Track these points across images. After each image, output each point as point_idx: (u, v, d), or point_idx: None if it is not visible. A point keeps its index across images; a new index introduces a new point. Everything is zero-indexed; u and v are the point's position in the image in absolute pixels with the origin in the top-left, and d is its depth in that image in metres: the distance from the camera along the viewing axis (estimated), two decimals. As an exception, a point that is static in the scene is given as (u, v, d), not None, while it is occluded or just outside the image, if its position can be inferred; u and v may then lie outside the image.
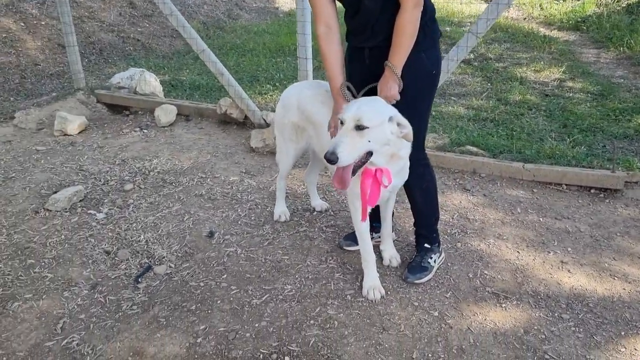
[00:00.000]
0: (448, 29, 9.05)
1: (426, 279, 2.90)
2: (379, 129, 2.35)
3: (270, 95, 6.24)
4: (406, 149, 2.54)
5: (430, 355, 2.41)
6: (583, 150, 4.41)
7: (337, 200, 3.84)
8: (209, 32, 9.49)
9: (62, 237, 3.44)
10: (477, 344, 2.47)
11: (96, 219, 3.67)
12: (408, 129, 2.40)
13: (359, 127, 2.32)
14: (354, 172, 2.42)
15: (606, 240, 3.28)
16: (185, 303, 2.81)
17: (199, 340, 2.54)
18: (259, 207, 3.77)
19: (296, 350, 2.46)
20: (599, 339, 2.49)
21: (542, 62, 7.27)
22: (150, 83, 6.14)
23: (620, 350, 2.41)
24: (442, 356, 2.41)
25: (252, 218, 3.63)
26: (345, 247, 3.21)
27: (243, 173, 4.32)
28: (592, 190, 3.88)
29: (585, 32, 8.70)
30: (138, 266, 3.17)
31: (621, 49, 7.39)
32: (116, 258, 3.25)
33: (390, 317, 2.65)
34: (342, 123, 2.37)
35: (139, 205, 3.83)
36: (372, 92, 2.69)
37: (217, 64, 5.16)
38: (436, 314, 2.67)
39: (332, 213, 3.68)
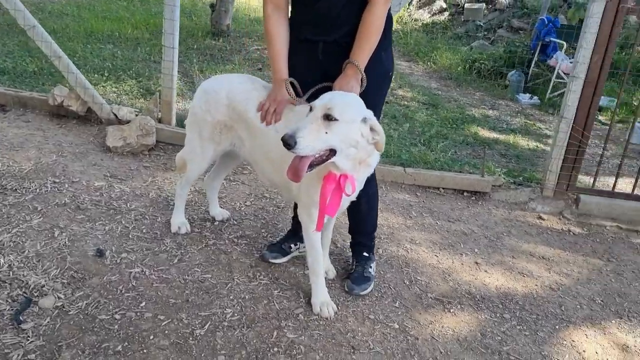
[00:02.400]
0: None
1: (370, 288, 2.79)
2: (348, 126, 2.11)
3: (102, 87, 5.40)
4: (376, 157, 2.36)
5: (411, 370, 2.29)
6: (449, 156, 4.74)
7: (236, 208, 3.47)
8: None
9: None
10: (448, 352, 2.44)
11: None
12: (381, 136, 2.21)
13: (328, 117, 2.07)
14: (310, 167, 2.14)
15: (498, 240, 3.56)
16: (106, 343, 2.23)
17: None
18: (147, 217, 3.22)
19: (274, 385, 2.11)
20: (542, 335, 2.66)
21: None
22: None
23: (562, 344, 2.61)
24: (423, 370, 2.30)
25: (144, 231, 3.07)
26: (271, 260, 2.91)
27: (108, 177, 3.64)
28: (465, 193, 4.18)
29: (394, 45, 9.49)
30: (9, 300, 2.42)
31: (428, 63, 8.22)
32: None
33: (354, 335, 2.46)
34: (311, 110, 2.10)
35: None
36: (323, 91, 2.45)
37: (52, 44, 4.28)
38: (396, 326, 2.57)
39: (234, 222, 3.32)
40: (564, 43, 7.68)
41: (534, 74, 7.89)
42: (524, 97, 7.32)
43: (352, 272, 2.82)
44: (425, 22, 10.48)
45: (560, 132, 4.03)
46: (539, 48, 7.90)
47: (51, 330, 2.28)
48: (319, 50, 2.53)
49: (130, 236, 3.00)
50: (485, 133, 5.78)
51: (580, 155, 4.07)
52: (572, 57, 7.40)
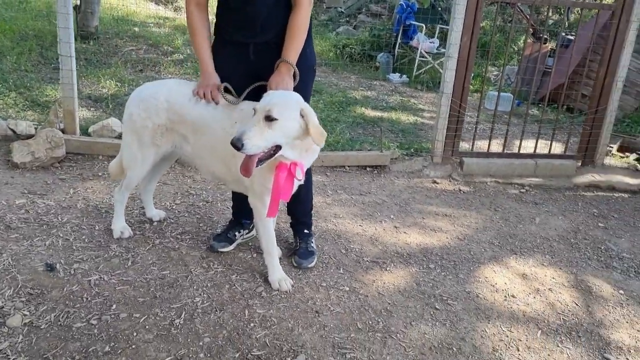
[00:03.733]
0: (136, 29, 8.87)
1: (315, 261, 3.13)
2: (288, 123, 2.40)
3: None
4: (316, 145, 2.67)
5: (370, 321, 2.69)
6: (347, 137, 5.20)
7: (167, 207, 3.63)
8: None
9: None
10: (395, 303, 2.86)
11: None
12: (317, 130, 2.47)
13: (269, 118, 2.36)
14: (259, 163, 2.42)
15: (407, 205, 4.07)
16: (93, 347, 2.35)
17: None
18: (83, 227, 3.27)
19: (261, 354, 2.40)
20: (462, 276, 3.19)
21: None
22: None
23: (479, 280, 3.17)
24: (379, 319, 2.71)
25: (86, 241, 3.14)
26: (220, 250, 3.14)
27: (27, 194, 3.59)
28: (368, 168, 4.67)
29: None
30: None
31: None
32: None
33: (314, 302, 2.79)
34: (254, 112, 2.39)
35: None
36: (259, 89, 2.74)
37: None
38: (347, 288, 2.94)
39: (171, 221, 3.48)
40: (423, 25, 8.51)
41: (400, 55, 8.64)
42: (395, 77, 8.02)
43: (297, 249, 3.12)
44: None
45: (442, 106, 4.63)
46: (401, 31, 8.65)
47: (29, 346, 2.32)
48: (250, 52, 2.77)
49: (74, 247, 3.04)
50: (370, 113, 6.32)
51: (460, 124, 4.71)
52: (431, 38, 8.26)
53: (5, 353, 2.27)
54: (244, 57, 2.76)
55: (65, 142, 4.10)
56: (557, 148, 5.25)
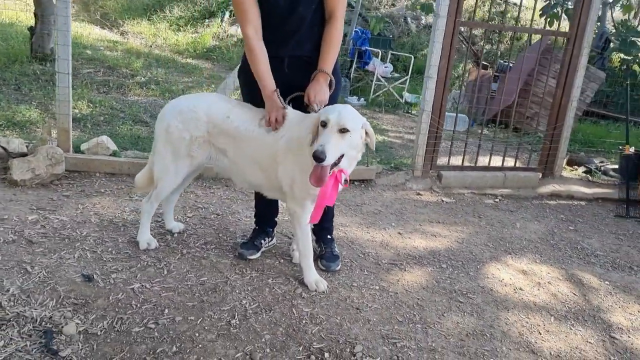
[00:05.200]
0: (89, 52, 8.77)
1: (340, 264, 3.31)
2: (356, 134, 2.64)
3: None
4: (361, 153, 2.89)
5: (407, 314, 2.90)
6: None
7: (181, 221, 3.69)
8: None
9: None
10: (423, 298, 3.10)
11: None
12: (373, 139, 2.77)
13: (342, 130, 2.57)
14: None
15: (402, 215, 4.35)
16: (160, 348, 2.41)
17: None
18: (106, 240, 3.29)
19: (322, 346, 2.54)
20: (472, 273, 3.48)
21: (211, 86, 8.02)
22: None
23: (487, 277, 3.47)
24: (414, 313, 2.93)
25: (114, 252, 3.17)
26: (249, 257, 3.25)
27: (36, 210, 3.55)
28: (356, 182, 4.92)
29: (216, 60, 9.91)
30: (25, 337, 2.44)
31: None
32: None
33: (351, 300, 2.98)
34: (324, 125, 2.58)
35: None
36: (299, 99, 2.96)
37: None
38: (377, 287, 3.15)
39: (191, 232, 3.55)
40: (379, 51, 8.97)
41: (355, 79, 9.04)
42: (353, 99, 8.39)
43: (323, 254, 3.29)
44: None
45: (423, 123, 4.98)
46: (356, 56, 9.07)
47: (92, 351, 2.35)
48: (285, 65, 2.96)
49: (104, 259, 3.05)
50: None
51: (438, 139, 5.08)
52: (385, 63, 8.73)
53: (69, 359, 2.28)
54: (280, 70, 2.94)
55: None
56: (519, 162, 5.73)
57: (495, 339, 2.77)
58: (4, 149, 4.09)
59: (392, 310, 2.89)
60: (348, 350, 2.51)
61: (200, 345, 2.42)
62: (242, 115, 2.91)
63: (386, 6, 12.14)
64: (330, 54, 2.86)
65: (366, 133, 2.70)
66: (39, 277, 2.77)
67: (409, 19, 11.58)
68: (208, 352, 2.39)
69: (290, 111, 2.85)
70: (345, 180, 2.74)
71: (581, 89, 7.53)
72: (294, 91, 2.93)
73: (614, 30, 10.54)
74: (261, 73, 2.79)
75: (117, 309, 2.61)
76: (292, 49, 2.90)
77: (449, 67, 4.85)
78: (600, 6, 10.94)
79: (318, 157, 2.44)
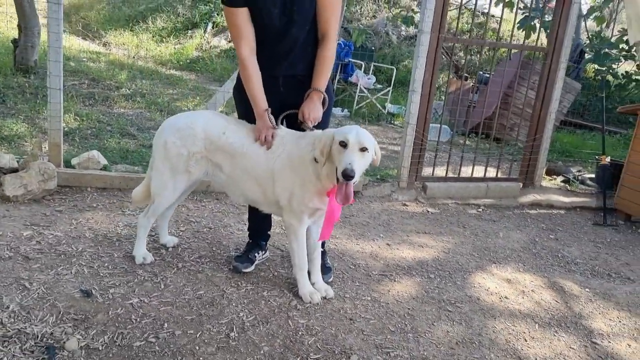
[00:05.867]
0: (72, 63, 8.77)
1: (332, 276, 3.41)
2: (371, 153, 2.76)
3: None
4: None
5: (398, 324, 3.01)
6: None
7: (174, 235, 3.74)
8: None
9: None
10: (413, 308, 3.21)
11: None
12: (379, 156, 2.89)
13: (362, 149, 2.70)
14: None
15: (389, 225, 4.47)
16: (161, 362, 2.49)
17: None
18: (102, 255, 3.34)
19: (318, 357, 2.63)
20: (459, 282, 3.61)
21: (196, 98, 8.08)
22: None
23: (474, 286, 3.59)
24: (405, 322, 3.04)
25: (110, 268, 3.22)
26: (243, 270, 3.32)
27: (30, 225, 3.59)
28: (344, 195, 5.02)
29: (200, 72, 9.97)
30: (27, 353, 2.49)
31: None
32: None
33: (345, 311, 3.07)
34: (344, 146, 2.69)
35: None
36: (292, 117, 3.07)
37: None
38: (368, 298, 3.25)
39: (185, 246, 3.62)
40: (362, 63, 9.13)
41: (339, 90, 9.18)
42: (337, 111, 8.51)
43: (316, 266, 3.38)
44: (223, 48, 11.16)
45: (408, 135, 5.12)
46: (339, 68, 9.22)
47: (94, 366, 2.41)
48: (279, 84, 3.06)
49: (101, 274, 3.11)
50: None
51: (422, 151, 5.22)
52: (368, 75, 8.89)
53: (72, 376, 2.33)
54: (275, 89, 3.04)
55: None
56: (501, 172, 5.90)
57: (484, 346, 2.88)
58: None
59: (384, 320, 2.99)
60: (344, 359, 2.60)
61: (201, 358, 2.49)
62: (237, 132, 3.00)
63: (367, 17, 12.32)
64: (324, 74, 2.97)
65: (375, 152, 2.81)
66: (38, 293, 2.82)
67: (390, 31, 11.78)
68: (208, 364, 2.45)
69: (284, 130, 2.95)
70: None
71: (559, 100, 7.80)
72: (289, 109, 3.02)
73: (588, 42, 10.86)
74: (254, 91, 2.89)
75: (117, 324, 2.66)
76: (286, 69, 3.00)
77: (433, 81, 5.00)
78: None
79: (348, 175, 2.56)
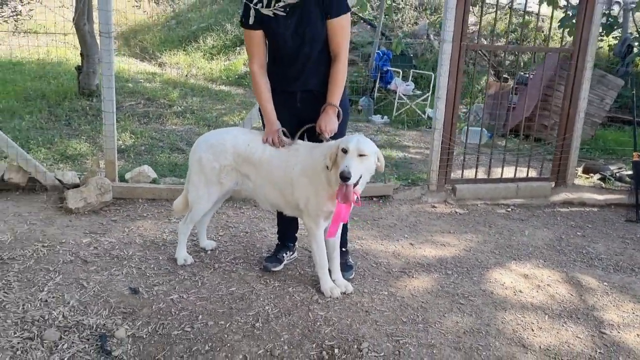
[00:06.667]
0: (130, 85, 9.44)
1: (354, 273, 3.71)
2: (370, 159, 3.07)
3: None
4: (370, 175, 3.28)
5: (411, 316, 3.28)
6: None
7: (213, 239, 4.13)
8: None
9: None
10: (427, 302, 3.46)
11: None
12: (382, 163, 3.20)
13: (361, 155, 3.01)
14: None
15: (415, 227, 4.72)
16: (195, 347, 2.85)
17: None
18: (149, 259, 3.78)
19: (333, 344, 2.94)
20: (475, 278, 3.82)
21: (242, 112, 8.55)
22: None
23: (490, 281, 3.80)
24: (417, 314, 3.30)
25: (156, 269, 3.65)
26: (272, 269, 3.68)
27: (89, 234, 4.08)
28: (374, 198, 5.32)
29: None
30: (84, 340, 2.91)
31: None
32: (47, 341, 2.87)
33: (362, 304, 3.36)
34: (345, 152, 3.02)
35: (6, 286, 3.29)
36: (311, 130, 3.40)
37: (-13, 123, 4.53)
38: (385, 293, 3.53)
39: (222, 249, 4.01)
40: (400, 71, 9.39)
41: (378, 98, 9.47)
42: (377, 118, 8.80)
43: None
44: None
45: (435, 141, 5.35)
46: (379, 76, 9.51)
47: (139, 351, 2.81)
48: (297, 99, 3.41)
49: (147, 274, 3.54)
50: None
51: (450, 155, 5.43)
52: (406, 82, 9.12)
53: (121, 358, 2.76)
54: (292, 105, 3.39)
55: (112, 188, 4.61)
56: (532, 172, 6.02)
57: (490, 335, 3.12)
58: (60, 181, 4.68)
59: (397, 312, 3.27)
60: (355, 346, 2.91)
61: (228, 345, 2.86)
62: (260, 145, 3.38)
63: (409, 25, 12.54)
64: (337, 90, 3.30)
65: (377, 159, 3.12)
66: (94, 291, 3.28)
67: (431, 36, 11.95)
68: (235, 350, 2.82)
69: (299, 143, 3.30)
70: (357, 200, 3.16)
71: (600, 97, 7.78)
72: (306, 123, 3.38)
73: (637, 35, 10.65)
74: (262, 102, 3.32)
75: (159, 316, 3.08)
76: (300, 85, 3.36)
77: (457, 88, 5.22)
78: (622, 12, 11.09)
79: (345, 177, 2.89)
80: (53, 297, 3.17)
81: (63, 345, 2.77)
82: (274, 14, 2.85)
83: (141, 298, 3.24)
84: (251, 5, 2.28)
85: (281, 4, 2.22)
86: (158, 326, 2.98)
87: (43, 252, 3.69)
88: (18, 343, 2.76)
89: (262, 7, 2.39)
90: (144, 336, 2.89)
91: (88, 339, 2.85)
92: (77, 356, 2.71)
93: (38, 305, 3.06)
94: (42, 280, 3.33)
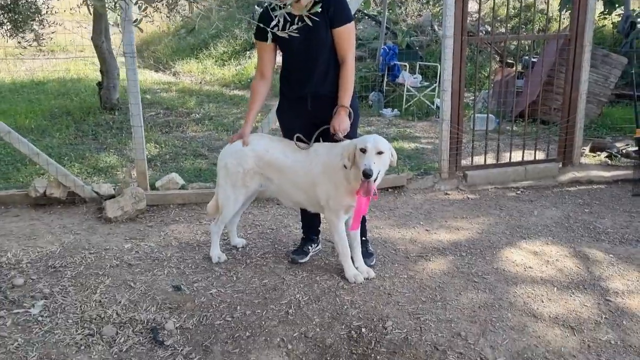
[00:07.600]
0: (148, 96, 9.83)
1: (375, 260, 4.02)
2: (387, 155, 3.39)
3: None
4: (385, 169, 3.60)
5: (430, 295, 3.59)
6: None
7: (243, 238, 4.46)
8: None
9: (18, 342, 3.12)
10: (444, 282, 3.77)
11: (33, 315, 3.40)
12: (395, 157, 3.52)
13: (379, 153, 3.34)
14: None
15: (430, 214, 5.02)
16: (237, 334, 3.18)
17: (293, 345, 3.08)
18: (186, 259, 4.12)
19: (360, 324, 3.27)
20: (488, 258, 4.11)
21: (258, 115, 8.87)
22: None
23: (502, 260, 4.09)
24: (436, 293, 3.61)
25: (193, 267, 3.99)
26: (300, 261, 4.01)
27: (130, 239, 4.44)
28: (389, 189, 5.62)
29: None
30: (137, 333, 3.27)
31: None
32: (106, 336, 3.23)
33: (384, 287, 3.68)
34: (363, 151, 3.33)
35: (63, 290, 3.67)
36: (325, 132, 3.71)
37: (28, 144, 4.93)
38: (405, 276, 3.84)
39: (252, 246, 4.35)
40: (407, 64, 9.67)
41: (387, 92, 9.76)
42: (387, 111, 9.09)
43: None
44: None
45: (444, 131, 5.64)
46: (387, 71, 9.80)
47: (188, 340, 3.16)
48: (308, 103, 3.73)
49: (187, 273, 3.90)
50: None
51: (459, 144, 5.72)
52: (414, 74, 9.39)
53: (173, 347, 3.11)
54: (303, 109, 3.70)
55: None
56: (539, 155, 6.28)
57: (503, 308, 3.42)
58: (97, 193, 5.06)
59: (417, 293, 3.59)
60: (381, 325, 3.24)
61: (266, 330, 3.20)
62: (279, 148, 3.71)
63: (413, 17, 12.78)
64: (347, 92, 3.61)
65: (391, 154, 3.44)
66: (141, 290, 3.64)
67: (435, 27, 12.18)
68: (272, 334, 3.17)
69: (316, 145, 3.62)
70: (375, 193, 3.48)
71: (605, 76, 7.99)
72: (318, 125, 3.70)
73: (639, 12, 10.78)
74: (249, 112, 3.75)
75: (201, 309, 3.43)
76: (311, 88, 3.66)
77: (462, 79, 5.50)
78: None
79: (367, 174, 3.22)
80: (106, 297, 3.53)
81: (120, 339, 3.12)
82: (289, 35, 3.16)
83: (184, 294, 3.58)
84: (269, 29, 2.59)
85: (295, 27, 2.52)
86: (202, 318, 3.33)
87: (90, 258, 4.06)
88: (81, 339, 3.11)
89: (278, 30, 2.73)
90: (191, 327, 3.24)
91: (142, 332, 3.21)
92: (134, 347, 3.06)
93: (93, 305, 3.42)
94: (93, 283, 3.69)
